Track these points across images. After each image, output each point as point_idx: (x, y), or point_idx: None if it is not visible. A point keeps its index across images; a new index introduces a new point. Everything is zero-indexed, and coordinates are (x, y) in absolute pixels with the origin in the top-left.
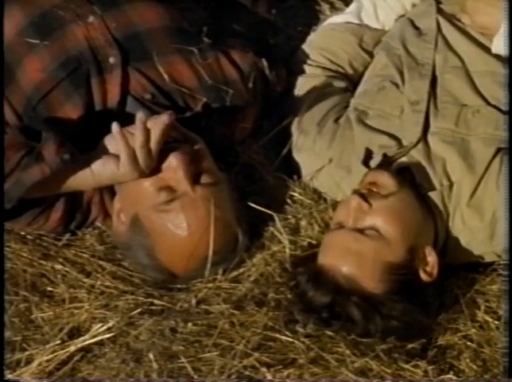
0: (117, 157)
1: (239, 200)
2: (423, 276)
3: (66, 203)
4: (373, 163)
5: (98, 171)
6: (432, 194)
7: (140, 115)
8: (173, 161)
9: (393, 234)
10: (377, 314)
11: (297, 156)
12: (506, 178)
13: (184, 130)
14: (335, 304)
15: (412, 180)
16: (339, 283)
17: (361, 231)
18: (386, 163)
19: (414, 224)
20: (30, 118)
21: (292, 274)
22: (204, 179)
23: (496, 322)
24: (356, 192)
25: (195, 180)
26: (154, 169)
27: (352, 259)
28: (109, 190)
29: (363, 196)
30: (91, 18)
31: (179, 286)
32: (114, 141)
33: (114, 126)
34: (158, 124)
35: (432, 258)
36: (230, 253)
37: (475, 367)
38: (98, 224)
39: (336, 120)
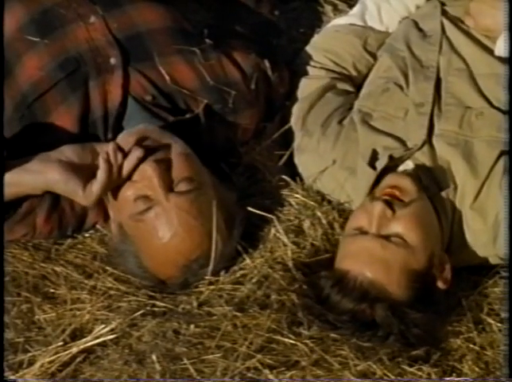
0: (81, 178)
1: (236, 202)
2: (439, 283)
3: (48, 207)
4: (379, 164)
5: (56, 183)
6: (438, 196)
7: (110, 147)
8: (148, 170)
9: (417, 241)
10: (400, 322)
11: (301, 157)
12: (507, 180)
13: (162, 135)
14: (359, 310)
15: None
16: (366, 290)
17: (386, 238)
18: (392, 165)
19: (433, 231)
20: (23, 115)
21: (314, 278)
22: (181, 187)
23: (499, 325)
24: (379, 198)
25: (170, 188)
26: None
27: (379, 266)
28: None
29: (387, 203)
30: (92, 18)
31: (174, 291)
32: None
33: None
34: (130, 160)
35: (447, 264)
36: (209, 259)
37: (477, 369)
38: (98, 226)
39: (340, 121)
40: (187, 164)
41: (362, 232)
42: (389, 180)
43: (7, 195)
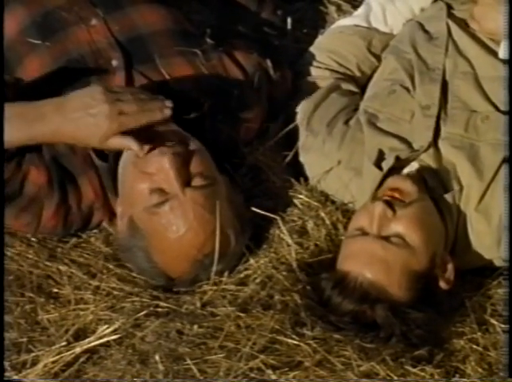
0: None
1: (243, 202)
2: (442, 284)
3: (57, 201)
4: (385, 165)
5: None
6: (443, 198)
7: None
8: (165, 163)
9: (418, 242)
10: (402, 323)
11: (305, 157)
12: (507, 181)
13: (178, 130)
14: (360, 311)
15: (424, 184)
16: (367, 291)
17: (386, 238)
18: (398, 166)
19: (435, 231)
20: None
21: (315, 279)
22: (196, 181)
23: (502, 326)
24: (380, 198)
25: (186, 182)
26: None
27: (380, 267)
28: (115, 192)
29: (388, 203)
30: (93, 21)
31: (180, 289)
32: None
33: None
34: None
35: (449, 264)
36: (222, 256)
37: (480, 370)
38: (104, 224)
39: (346, 122)
40: (203, 159)
41: (364, 233)
42: (390, 182)
43: (13, 138)
